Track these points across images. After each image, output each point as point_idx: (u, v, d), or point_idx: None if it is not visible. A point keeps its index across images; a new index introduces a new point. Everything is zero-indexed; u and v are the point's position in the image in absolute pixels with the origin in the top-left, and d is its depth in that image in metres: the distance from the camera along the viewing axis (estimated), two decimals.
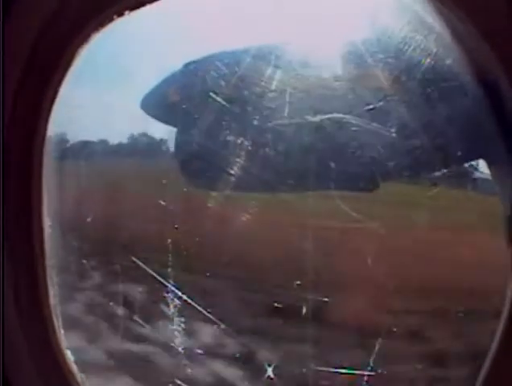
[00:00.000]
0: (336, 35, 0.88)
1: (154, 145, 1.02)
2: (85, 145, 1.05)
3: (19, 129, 0.87)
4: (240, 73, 0.87)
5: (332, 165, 0.82)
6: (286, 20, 0.89)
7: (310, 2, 0.90)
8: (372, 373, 0.89)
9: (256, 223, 0.91)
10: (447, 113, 0.82)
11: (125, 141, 1.05)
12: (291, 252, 0.91)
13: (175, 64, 0.97)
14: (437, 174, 0.85)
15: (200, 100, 0.91)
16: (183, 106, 0.93)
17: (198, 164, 0.96)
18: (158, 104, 0.99)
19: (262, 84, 0.85)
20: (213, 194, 0.90)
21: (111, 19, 0.86)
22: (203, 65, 0.91)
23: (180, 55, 0.97)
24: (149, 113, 1.01)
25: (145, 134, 1.03)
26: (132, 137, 1.06)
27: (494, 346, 0.80)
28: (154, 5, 0.90)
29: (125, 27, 0.93)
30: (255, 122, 0.86)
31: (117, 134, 1.05)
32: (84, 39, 0.87)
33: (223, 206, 0.91)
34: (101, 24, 0.87)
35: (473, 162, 0.88)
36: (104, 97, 1.06)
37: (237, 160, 0.87)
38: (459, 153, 0.84)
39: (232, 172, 0.88)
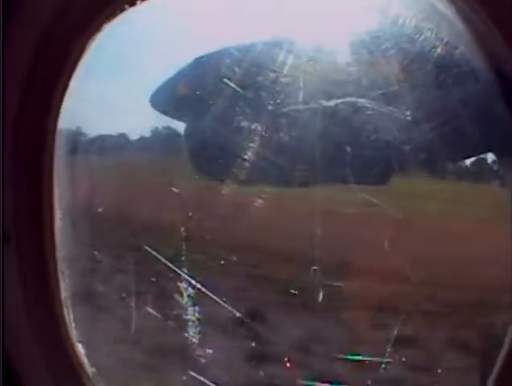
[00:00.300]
0: (348, 24, 0.89)
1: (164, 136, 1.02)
2: (99, 138, 1.05)
3: (29, 122, 0.86)
4: (253, 59, 0.87)
5: (348, 149, 0.83)
6: (299, 11, 0.89)
7: None
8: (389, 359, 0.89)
9: (270, 209, 0.91)
10: (459, 97, 0.82)
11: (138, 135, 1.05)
12: (303, 238, 0.90)
13: (184, 60, 0.97)
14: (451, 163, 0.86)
15: (213, 89, 0.91)
16: (195, 97, 0.94)
17: (210, 152, 0.96)
18: (168, 99, 0.99)
19: (275, 69, 0.86)
20: (228, 181, 0.90)
21: (122, 9, 0.86)
22: (215, 57, 0.91)
23: (188, 50, 0.97)
24: (158, 109, 1.01)
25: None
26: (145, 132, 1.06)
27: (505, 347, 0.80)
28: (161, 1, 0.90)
29: (133, 24, 0.94)
30: (270, 108, 0.86)
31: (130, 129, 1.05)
32: (95, 29, 0.87)
33: (237, 193, 0.91)
34: (113, 14, 0.87)
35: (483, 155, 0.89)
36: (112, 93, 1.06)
37: (251, 145, 0.87)
38: (471, 142, 0.85)
39: (246, 157, 0.88)
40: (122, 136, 1.04)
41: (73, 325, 0.92)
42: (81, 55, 0.87)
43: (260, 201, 0.89)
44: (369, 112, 0.83)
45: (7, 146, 0.85)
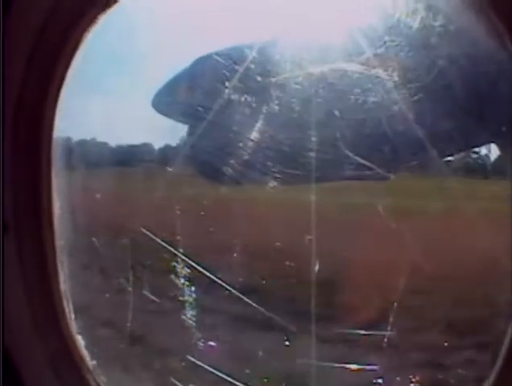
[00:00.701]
0: None
1: None
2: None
3: (28, 112, 0.87)
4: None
5: (337, 113, 0.83)
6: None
7: None
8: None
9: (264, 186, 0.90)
10: (447, 55, 0.82)
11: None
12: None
13: (183, 61, 0.98)
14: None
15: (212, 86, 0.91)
16: (196, 99, 0.94)
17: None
18: (170, 101, 1.00)
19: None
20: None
21: (115, 0, 0.87)
22: (214, 57, 0.91)
23: (186, 52, 0.98)
24: (160, 112, 1.01)
25: None
26: None
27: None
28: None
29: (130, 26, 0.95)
30: (258, 79, 0.86)
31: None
32: (90, 20, 0.88)
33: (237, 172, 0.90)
34: (108, 5, 0.88)
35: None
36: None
37: (240, 117, 0.87)
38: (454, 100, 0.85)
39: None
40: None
41: (73, 317, 0.91)
42: (78, 46, 0.88)
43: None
44: (357, 76, 0.83)
45: (7, 137, 0.85)
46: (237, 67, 0.88)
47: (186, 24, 0.96)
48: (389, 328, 0.86)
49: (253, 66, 0.87)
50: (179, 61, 0.98)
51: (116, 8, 0.90)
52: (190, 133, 1.00)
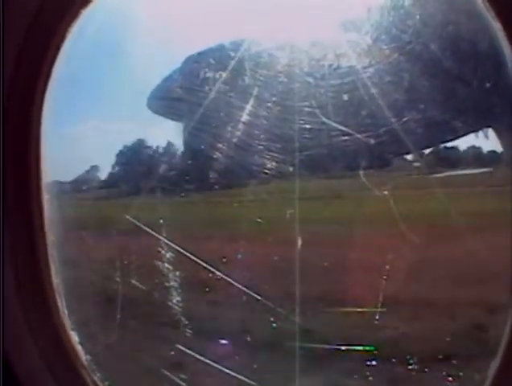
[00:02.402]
0: None
1: None
2: None
3: (16, 103, 0.87)
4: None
5: (311, 80, 0.81)
6: None
7: None
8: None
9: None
10: (420, 17, 0.81)
11: None
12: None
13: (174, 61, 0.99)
14: None
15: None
16: (189, 96, 0.94)
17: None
18: (164, 101, 1.00)
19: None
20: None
21: None
22: (205, 55, 0.92)
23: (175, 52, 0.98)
24: (156, 112, 1.02)
25: None
26: None
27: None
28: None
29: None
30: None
31: None
32: (73, 15, 0.89)
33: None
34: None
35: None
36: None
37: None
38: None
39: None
40: None
41: (66, 313, 0.89)
42: (62, 42, 0.89)
43: None
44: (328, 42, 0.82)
45: None
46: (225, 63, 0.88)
47: (176, 24, 0.96)
48: None
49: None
50: (170, 61, 0.98)
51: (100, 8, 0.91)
52: (185, 130, 1.00)
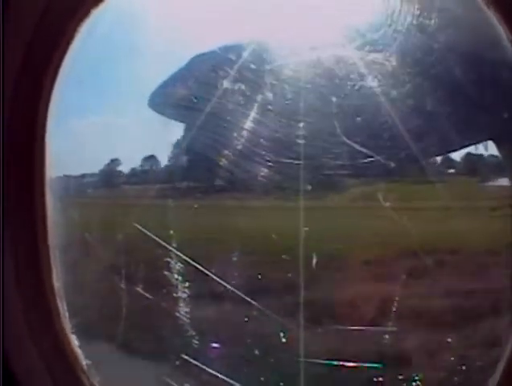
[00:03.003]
0: None
1: None
2: None
3: (22, 105, 0.85)
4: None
5: (334, 100, 0.80)
6: None
7: None
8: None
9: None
10: (446, 40, 0.81)
11: None
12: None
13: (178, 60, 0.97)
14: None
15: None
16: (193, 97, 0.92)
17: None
18: (166, 100, 0.98)
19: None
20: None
21: None
22: (210, 55, 0.90)
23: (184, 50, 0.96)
24: (158, 111, 1.00)
25: None
26: None
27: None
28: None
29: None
30: (252, 66, 0.84)
31: None
32: (83, 14, 0.86)
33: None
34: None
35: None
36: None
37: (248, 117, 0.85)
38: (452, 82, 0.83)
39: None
40: None
41: (67, 315, 0.88)
42: (71, 42, 0.86)
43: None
44: (353, 61, 0.81)
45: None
46: (233, 62, 0.87)
47: (180, 23, 0.95)
48: None
49: (250, 59, 0.85)
50: (176, 59, 0.97)
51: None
52: (187, 130, 0.98)
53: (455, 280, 0.88)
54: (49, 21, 0.86)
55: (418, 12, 0.82)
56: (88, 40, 0.90)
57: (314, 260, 0.84)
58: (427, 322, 0.91)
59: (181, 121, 1.00)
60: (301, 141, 0.82)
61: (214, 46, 0.91)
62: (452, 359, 0.90)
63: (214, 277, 0.90)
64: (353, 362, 0.85)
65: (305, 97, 0.83)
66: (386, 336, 0.86)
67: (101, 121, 1.05)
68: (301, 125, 0.82)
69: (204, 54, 0.93)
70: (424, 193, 0.87)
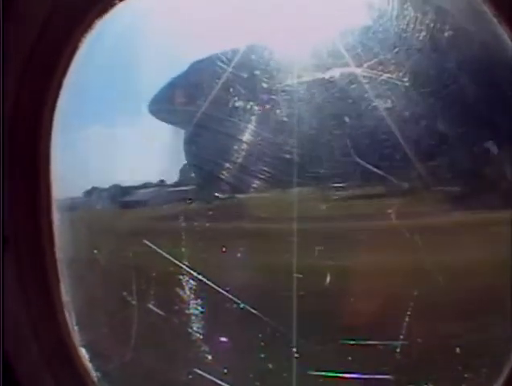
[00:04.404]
0: None
1: None
2: None
3: (25, 119, 0.84)
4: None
5: (347, 120, 0.80)
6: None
7: None
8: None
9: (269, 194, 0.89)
10: (458, 60, 0.81)
11: None
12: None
13: (179, 65, 0.95)
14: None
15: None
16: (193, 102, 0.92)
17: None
18: (167, 106, 0.97)
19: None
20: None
21: (113, 4, 0.84)
22: (210, 60, 0.89)
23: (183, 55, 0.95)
24: (158, 117, 0.99)
25: None
26: None
27: None
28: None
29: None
30: (264, 85, 0.83)
31: None
32: (87, 26, 0.85)
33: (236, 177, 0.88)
34: (104, 10, 0.85)
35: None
36: None
37: (248, 126, 0.85)
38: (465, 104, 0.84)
39: (243, 139, 0.86)
40: None
41: (76, 329, 0.88)
42: (75, 52, 0.85)
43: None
44: (366, 81, 0.81)
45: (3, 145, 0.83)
46: (234, 70, 0.86)
47: (180, 28, 0.94)
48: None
49: (258, 72, 0.85)
50: (176, 65, 0.96)
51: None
52: (187, 138, 0.98)
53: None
54: (51, 32, 0.85)
55: (430, 31, 0.82)
56: (92, 50, 0.89)
57: (328, 278, 0.85)
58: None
59: (182, 128, 0.99)
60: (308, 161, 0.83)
61: (214, 51, 0.90)
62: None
63: (225, 293, 0.91)
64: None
65: (317, 117, 0.83)
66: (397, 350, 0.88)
67: (105, 132, 1.04)
68: (313, 145, 0.82)
69: (204, 59, 0.92)
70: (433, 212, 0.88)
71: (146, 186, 1.01)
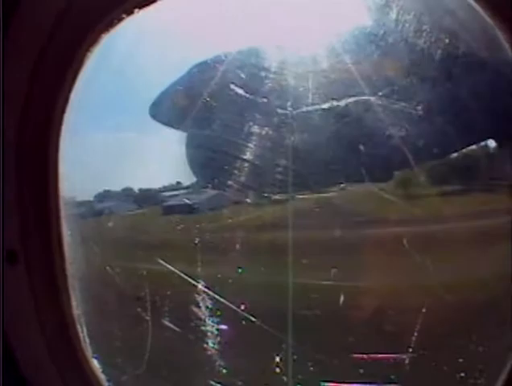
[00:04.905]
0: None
1: None
2: None
3: (32, 136, 0.83)
4: (251, 63, 0.85)
5: (362, 148, 0.82)
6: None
7: None
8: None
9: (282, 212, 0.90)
10: (471, 87, 0.82)
11: None
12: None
13: (179, 68, 0.95)
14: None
15: (214, 95, 0.89)
16: (195, 105, 0.91)
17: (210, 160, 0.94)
18: (167, 109, 0.96)
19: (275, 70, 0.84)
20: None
21: (120, 19, 0.83)
22: (212, 63, 0.88)
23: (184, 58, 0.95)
24: (159, 120, 0.98)
25: None
26: None
27: None
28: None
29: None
30: (279, 111, 0.84)
31: None
32: (93, 40, 0.84)
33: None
34: (111, 24, 0.84)
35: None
36: None
37: (260, 151, 0.86)
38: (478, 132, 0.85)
39: (256, 163, 0.87)
40: None
41: (88, 341, 0.90)
42: (81, 67, 0.84)
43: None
44: (381, 109, 0.82)
45: (10, 161, 0.81)
46: (242, 74, 0.87)
47: (181, 30, 0.93)
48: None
49: (271, 98, 0.85)
50: (176, 68, 0.95)
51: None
52: (189, 141, 0.98)
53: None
54: (57, 46, 0.84)
55: (444, 59, 0.83)
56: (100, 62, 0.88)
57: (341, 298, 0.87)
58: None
59: (183, 130, 0.99)
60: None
61: (216, 52, 0.90)
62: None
63: (240, 311, 0.93)
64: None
65: (332, 145, 0.84)
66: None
67: (115, 138, 1.04)
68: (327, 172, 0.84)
69: (204, 62, 0.92)
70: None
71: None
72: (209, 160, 0.96)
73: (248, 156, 0.88)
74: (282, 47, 0.88)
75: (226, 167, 0.89)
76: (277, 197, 0.90)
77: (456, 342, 0.93)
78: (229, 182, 0.90)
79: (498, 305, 0.90)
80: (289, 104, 0.83)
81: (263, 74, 0.85)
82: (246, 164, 0.88)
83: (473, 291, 0.90)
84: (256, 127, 0.85)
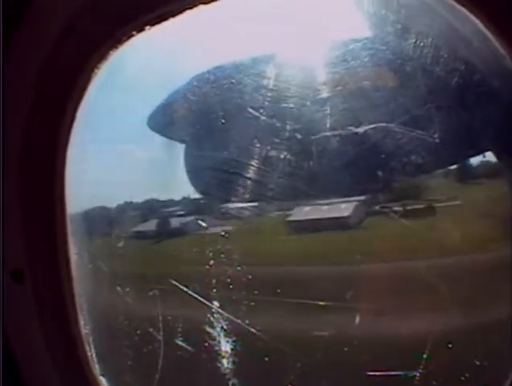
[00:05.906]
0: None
1: None
2: None
3: (38, 150, 0.82)
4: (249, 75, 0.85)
5: (380, 175, 0.83)
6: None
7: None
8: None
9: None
10: (486, 116, 0.84)
11: None
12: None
13: (177, 79, 0.94)
14: None
15: (216, 109, 0.88)
16: (193, 116, 0.91)
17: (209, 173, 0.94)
18: (166, 119, 0.96)
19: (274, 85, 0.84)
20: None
21: (130, 36, 0.82)
22: (212, 76, 0.88)
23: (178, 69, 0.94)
24: (157, 131, 0.98)
25: None
26: None
27: None
28: None
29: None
30: (298, 136, 0.84)
31: None
32: (102, 56, 0.83)
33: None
34: (120, 41, 0.83)
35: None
36: None
37: (280, 175, 0.86)
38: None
39: (271, 186, 0.87)
40: None
41: (95, 359, 0.90)
42: (88, 82, 0.83)
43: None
44: (399, 136, 0.83)
45: (15, 178, 0.81)
46: (249, 80, 0.87)
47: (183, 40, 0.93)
48: None
49: (293, 123, 0.86)
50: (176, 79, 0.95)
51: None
52: (187, 152, 0.98)
53: None
54: (64, 61, 0.84)
55: (459, 87, 0.84)
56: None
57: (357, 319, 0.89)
58: None
59: (182, 141, 0.99)
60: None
61: (216, 63, 0.90)
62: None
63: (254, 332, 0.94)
64: None
65: (351, 172, 0.85)
66: None
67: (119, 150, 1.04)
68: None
69: (204, 73, 0.92)
70: None
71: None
72: (209, 173, 0.96)
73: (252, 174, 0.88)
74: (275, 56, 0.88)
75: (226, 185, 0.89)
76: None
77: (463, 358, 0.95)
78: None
79: None
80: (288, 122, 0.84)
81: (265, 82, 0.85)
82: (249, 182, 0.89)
83: None
84: (274, 151, 0.85)
